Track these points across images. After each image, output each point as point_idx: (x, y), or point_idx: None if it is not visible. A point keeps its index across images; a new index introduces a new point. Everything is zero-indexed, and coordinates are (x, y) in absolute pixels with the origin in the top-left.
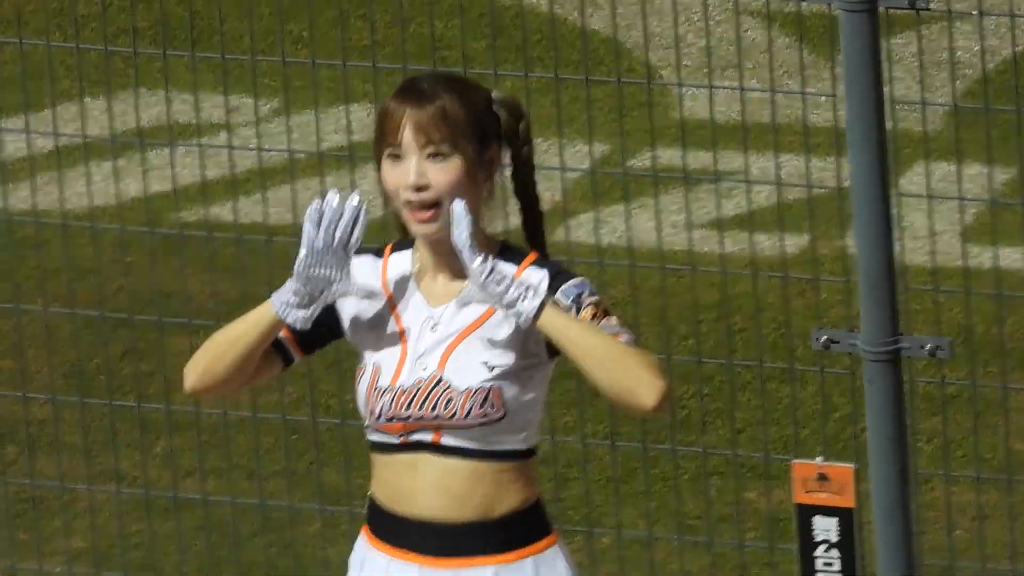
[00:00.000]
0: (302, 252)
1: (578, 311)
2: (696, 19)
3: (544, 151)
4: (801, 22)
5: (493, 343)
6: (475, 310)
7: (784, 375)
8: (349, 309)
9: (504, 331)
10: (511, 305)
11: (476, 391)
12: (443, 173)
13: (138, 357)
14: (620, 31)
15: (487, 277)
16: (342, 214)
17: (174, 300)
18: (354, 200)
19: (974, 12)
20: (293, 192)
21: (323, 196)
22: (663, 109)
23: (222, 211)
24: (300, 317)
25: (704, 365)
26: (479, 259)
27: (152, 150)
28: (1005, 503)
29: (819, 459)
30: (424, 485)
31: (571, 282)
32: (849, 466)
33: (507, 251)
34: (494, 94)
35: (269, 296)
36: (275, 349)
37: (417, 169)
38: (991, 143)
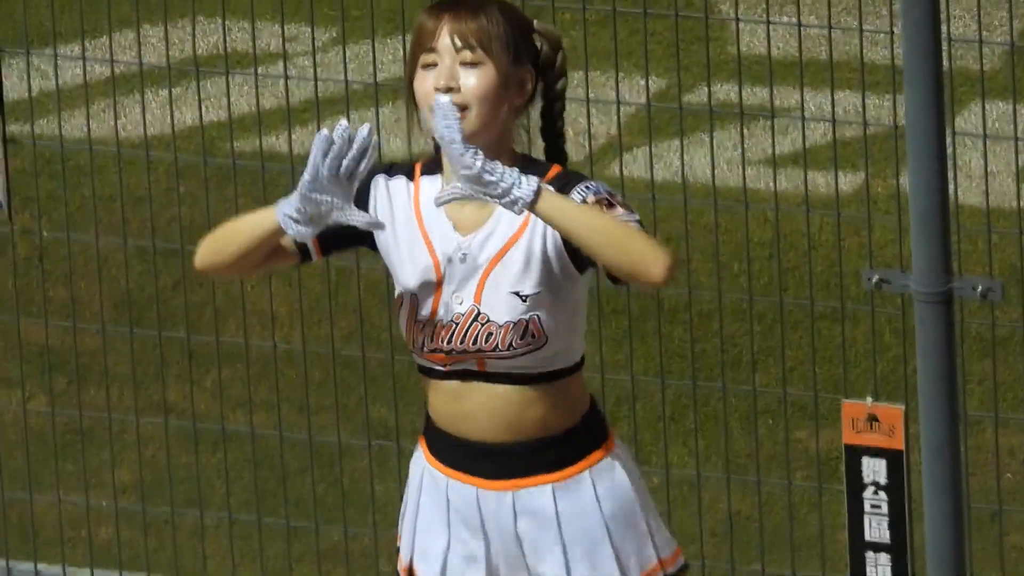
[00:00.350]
0: (306, 176)
1: (583, 202)
2: None
3: (602, 84)
4: None
5: (521, 271)
6: (500, 238)
7: (835, 314)
8: (385, 234)
9: (530, 256)
10: (506, 193)
11: (515, 324)
12: (475, 78)
13: (188, 288)
14: None
15: (479, 168)
16: (351, 145)
17: None
18: (363, 131)
19: None
20: (348, 122)
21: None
22: (720, 44)
23: (277, 141)
24: (300, 232)
25: (756, 303)
26: (469, 151)
27: (208, 79)
28: None
29: (869, 400)
30: (474, 410)
31: (580, 186)
32: (899, 407)
33: (529, 163)
34: (536, 23)
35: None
36: (293, 243)
37: (450, 71)
38: None
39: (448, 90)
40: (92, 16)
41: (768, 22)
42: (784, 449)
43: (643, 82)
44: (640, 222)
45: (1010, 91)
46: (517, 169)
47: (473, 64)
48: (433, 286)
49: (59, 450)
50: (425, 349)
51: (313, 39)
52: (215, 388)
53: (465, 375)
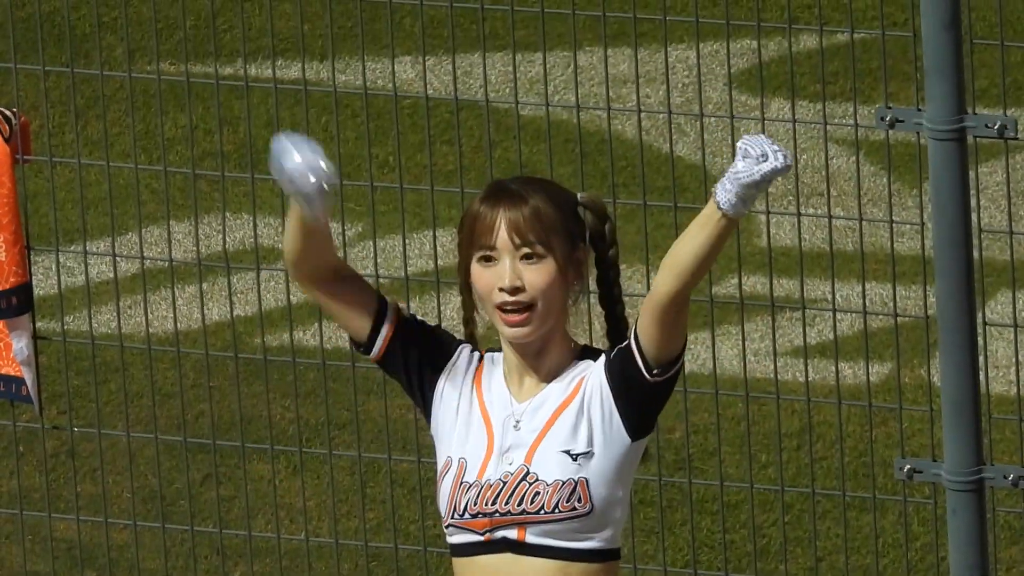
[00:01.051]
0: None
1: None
2: (783, 144)
3: (629, 277)
4: (888, 150)
5: (572, 431)
6: (553, 403)
7: (864, 504)
8: (443, 404)
9: (579, 418)
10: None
11: (564, 484)
12: (538, 275)
13: (219, 482)
14: (707, 158)
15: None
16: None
17: (256, 425)
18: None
19: None
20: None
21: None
22: (748, 236)
23: (306, 336)
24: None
25: (785, 494)
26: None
27: (237, 274)
28: None
29: None
30: None
31: (618, 347)
32: None
33: (586, 353)
34: (580, 196)
35: (352, 422)
36: (371, 326)
37: (512, 271)
38: None
39: (515, 291)
40: (121, 213)
41: (799, 214)
42: None
43: None
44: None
45: None
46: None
47: (534, 258)
48: (485, 451)
49: None
50: (467, 515)
51: (344, 233)
52: None
53: (502, 546)
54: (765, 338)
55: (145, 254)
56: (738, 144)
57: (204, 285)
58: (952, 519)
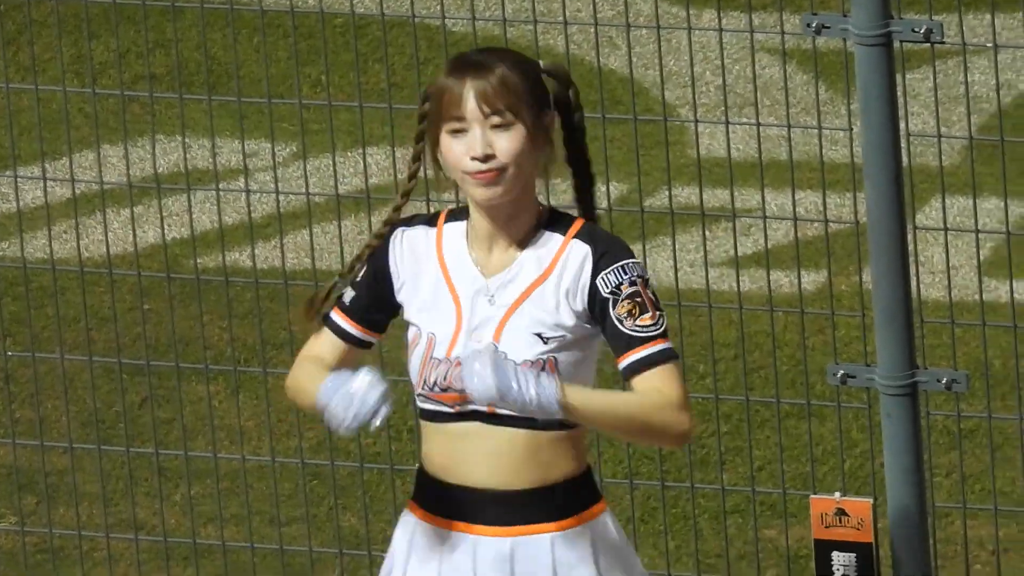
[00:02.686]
0: (330, 421)
1: (614, 303)
2: (713, 57)
3: (563, 191)
4: (817, 59)
5: (545, 313)
6: (524, 280)
7: (802, 412)
8: (403, 279)
9: (555, 301)
10: (530, 407)
11: (533, 363)
12: (508, 141)
13: (156, 405)
14: (637, 70)
15: (504, 397)
16: (365, 402)
17: (192, 347)
18: (377, 390)
19: (989, 44)
20: (311, 236)
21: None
22: (680, 147)
23: (240, 257)
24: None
25: (722, 403)
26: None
27: (169, 196)
28: (1022, 536)
29: (837, 494)
30: (479, 454)
31: (612, 268)
32: (867, 500)
33: (554, 219)
34: (542, 63)
35: (288, 342)
36: (347, 342)
37: (483, 139)
38: (1007, 176)
39: (487, 158)
40: (53, 138)
41: (727, 123)
42: (754, 547)
43: (604, 188)
44: (665, 332)
45: (970, 186)
46: (532, 373)
47: (503, 126)
48: (453, 326)
49: (29, 570)
50: (437, 388)
51: (274, 154)
52: (185, 504)
53: (472, 416)
54: (699, 249)
55: (77, 178)
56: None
57: (137, 208)
58: (887, 423)
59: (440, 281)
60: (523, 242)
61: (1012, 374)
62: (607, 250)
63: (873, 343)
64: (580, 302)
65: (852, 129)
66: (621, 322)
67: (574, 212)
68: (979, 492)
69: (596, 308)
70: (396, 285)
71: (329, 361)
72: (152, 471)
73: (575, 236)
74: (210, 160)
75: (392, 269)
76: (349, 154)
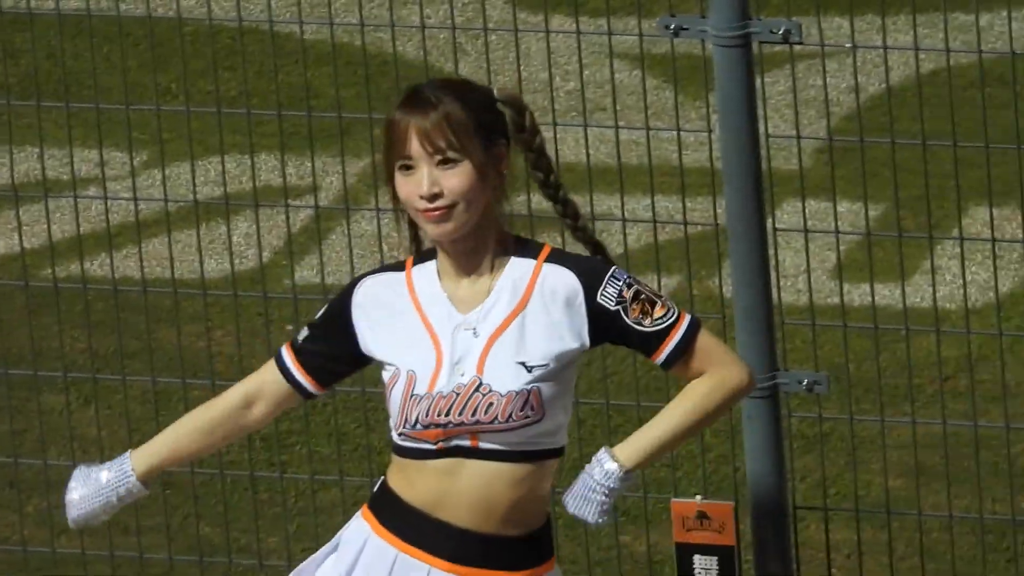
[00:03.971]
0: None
1: (625, 312)
2: (563, 62)
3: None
4: (673, 61)
5: (526, 343)
6: (503, 310)
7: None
8: (373, 331)
9: (538, 329)
10: (614, 494)
11: (518, 394)
12: (455, 179)
13: (12, 414)
14: (491, 76)
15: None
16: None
17: (48, 357)
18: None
19: (847, 45)
20: (169, 244)
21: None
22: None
23: (95, 266)
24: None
25: (579, 408)
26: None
27: (24, 205)
28: (881, 539)
29: (698, 497)
30: (460, 490)
31: (605, 283)
32: (728, 503)
33: (521, 247)
34: (495, 91)
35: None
36: (290, 384)
37: (429, 178)
38: (865, 179)
39: (433, 196)
40: None
41: (585, 125)
42: (611, 554)
43: None
44: (678, 309)
45: (825, 189)
46: (600, 470)
47: (450, 164)
48: (434, 362)
49: None
50: (419, 426)
51: (131, 162)
52: (43, 515)
53: (456, 452)
54: None
55: None
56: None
57: None
58: (748, 426)
59: (415, 320)
60: (493, 273)
61: (869, 377)
62: (589, 269)
63: (733, 346)
64: (583, 331)
65: (711, 132)
66: (641, 324)
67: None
68: (836, 496)
69: (609, 326)
70: (360, 337)
71: (264, 394)
72: (7, 482)
73: (547, 261)
74: (66, 169)
75: (355, 321)
76: (204, 162)
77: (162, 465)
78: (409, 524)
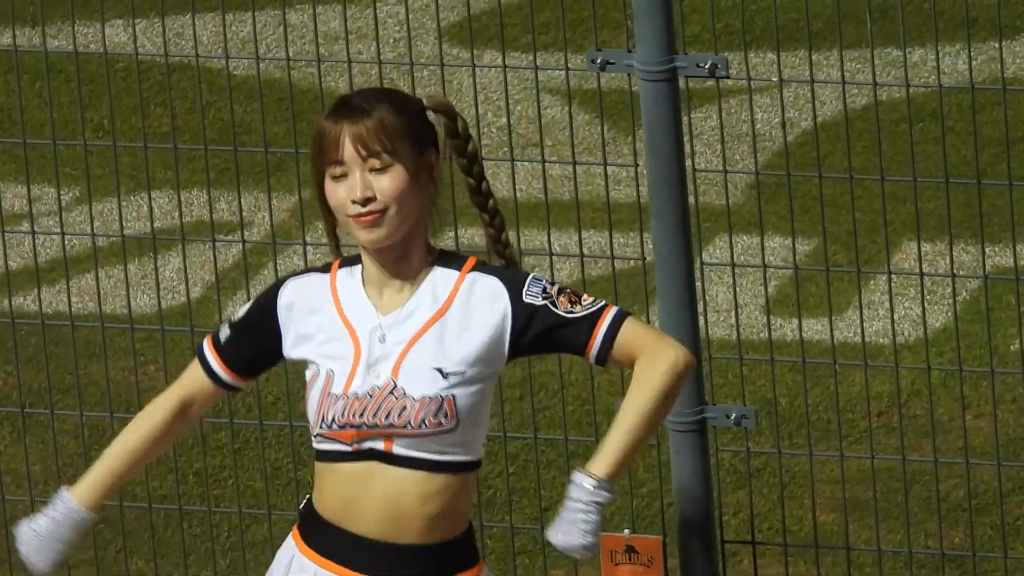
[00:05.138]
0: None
1: (554, 304)
2: (495, 98)
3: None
4: (600, 97)
5: (444, 349)
6: (422, 316)
7: (588, 452)
8: (297, 329)
9: (456, 335)
10: (592, 517)
11: (431, 400)
12: (388, 182)
13: None
14: None
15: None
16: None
17: None
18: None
19: (774, 79)
20: (97, 280)
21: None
22: (465, 188)
23: (26, 301)
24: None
25: (509, 443)
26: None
27: None
28: (812, 574)
29: (626, 531)
30: (373, 497)
31: (527, 284)
32: (657, 537)
33: (446, 258)
34: (425, 100)
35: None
36: (214, 383)
37: (362, 182)
38: (792, 214)
39: (366, 201)
40: None
41: (512, 160)
42: None
43: None
44: (604, 302)
45: (755, 224)
46: (578, 489)
47: (382, 168)
48: (351, 362)
49: None
50: (335, 425)
51: (59, 198)
52: None
53: (370, 455)
54: None
55: None
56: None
57: None
58: (675, 460)
59: (337, 321)
60: (416, 281)
61: (799, 411)
62: (511, 275)
63: None
64: (505, 337)
65: (637, 166)
66: (572, 312)
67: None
68: (767, 531)
69: (537, 323)
70: (284, 336)
71: (195, 397)
72: None
73: (471, 270)
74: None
75: (280, 320)
76: (133, 197)
77: (107, 492)
78: (325, 538)
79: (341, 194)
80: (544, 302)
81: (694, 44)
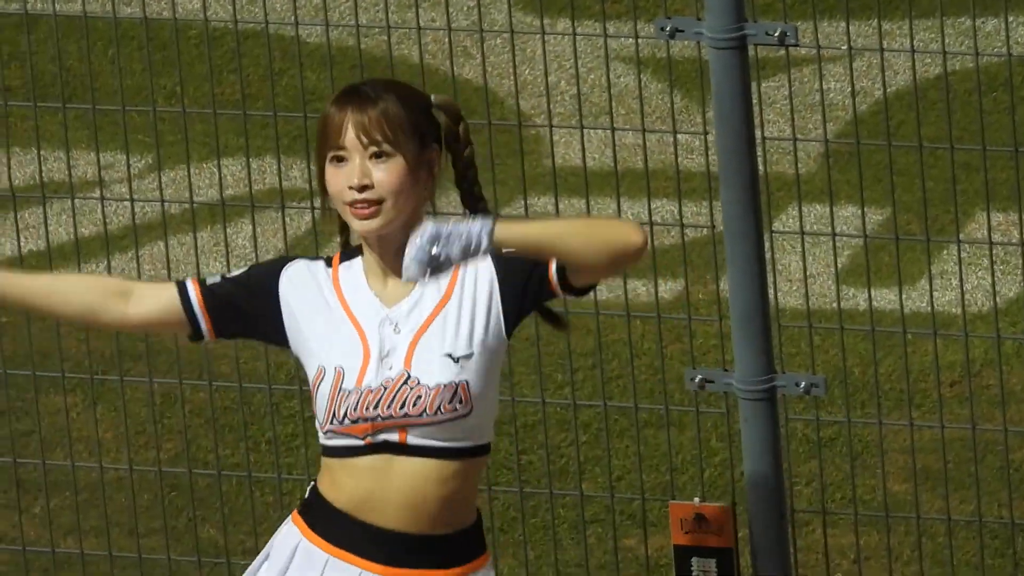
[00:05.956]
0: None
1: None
2: (567, 66)
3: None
4: (672, 66)
5: (450, 334)
6: (428, 304)
7: (660, 421)
8: (293, 309)
9: (458, 318)
10: (468, 251)
11: (446, 387)
12: (387, 173)
13: (13, 416)
14: (492, 80)
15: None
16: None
17: (50, 359)
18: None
19: (843, 48)
20: (167, 247)
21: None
22: (536, 157)
23: (96, 267)
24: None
25: (580, 412)
26: (426, 269)
27: (25, 209)
28: (884, 544)
29: (696, 499)
30: (389, 490)
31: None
32: (726, 505)
33: None
34: (433, 98)
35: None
36: (184, 313)
37: (361, 169)
38: (863, 183)
39: (362, 188)
40: None
41: (582, 127)
42: (614, 557)
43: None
44: None
45: (826, 193)
46: (460, 220)
47: (382, 157)
48: (361, 356)
49: None
50: (347, 421)
51: (128, 165)
52: (44, 515)
53: (384, 448)
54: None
55: None
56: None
57: None
58: (745, 428)
59: (341, 315)
60: None
61: (870, 381)
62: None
63: (731, 351)
64: (499, 304)
65: (707, 134)
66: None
67: None
68: (839, 500)
69: (515, 278)
70: (283, 312)
71: (148, 305)
72: (10, 483)
73: None
74: (65, 172)
75: (281, 294)
76: (204, 165)
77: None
78: (339, 527)
79: (340, 180)
80: (516, 259)
81: (766, 13)
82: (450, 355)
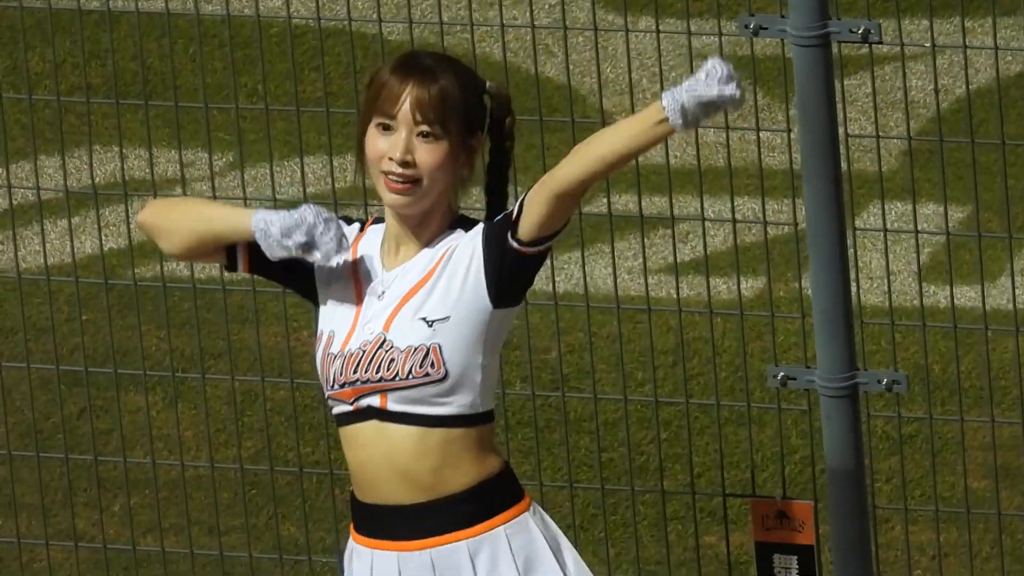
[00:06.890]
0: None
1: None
2: (649, 64)
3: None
4: (755, 63)
5: (431, 300)
6: (417, 274)
7: (741, 419)
8: (325, 284)
9: (441, 286)
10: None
11: (416, 349)
12: (430, 154)
13: (94, 415)
14: (574, 78)
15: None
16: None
17: (131, 358)
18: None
19: (926, 45)
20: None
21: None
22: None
23: (178, 267)
24: (274, 252)
25: (661, 410)
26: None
27: (106, 206)
28: (964, 541)
29: (778, 497)
30: (377, 457)
31: (498, 219)
32: (808, 502)
33: (462, 221)
34: (488, 84)
35: (226, 352)
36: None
37: (406, 144)
38: (945, 181)
39: (405, 164)
40: None
41: None
42: (695, 554)
43: None
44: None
45: (908, 191)
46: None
47: (429, 137)
48: (351, 321)
49: None
50: (336, 386)
51: (211, 163)
52: (124, 514)
53: (368, 414)
54: (637, 255)
55: (14, 188)
56: (705, 62)
57: (74, 219)
58: (827, 425)
59: (348, 282)
60: (429, 244)
61: (951, 378)
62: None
63: (813, 348)
64: (482, 267)
65: (790, 131)
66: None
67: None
68: (919, 497)
69: (496, 243)
70: (316, 274)
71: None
72: (91, 481)
73: (471, 229)
74: (147, 170)
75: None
76: (286, 163)
77: None
78: (365, 519)
79: (382, 146)
80: (511, 210)
81: (849, 11)
82: (424, 318)
